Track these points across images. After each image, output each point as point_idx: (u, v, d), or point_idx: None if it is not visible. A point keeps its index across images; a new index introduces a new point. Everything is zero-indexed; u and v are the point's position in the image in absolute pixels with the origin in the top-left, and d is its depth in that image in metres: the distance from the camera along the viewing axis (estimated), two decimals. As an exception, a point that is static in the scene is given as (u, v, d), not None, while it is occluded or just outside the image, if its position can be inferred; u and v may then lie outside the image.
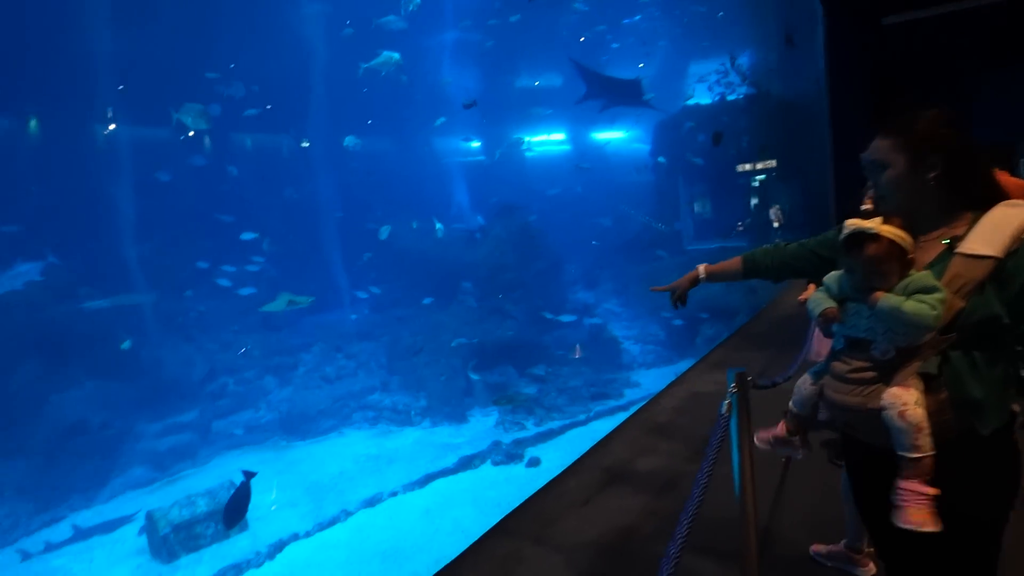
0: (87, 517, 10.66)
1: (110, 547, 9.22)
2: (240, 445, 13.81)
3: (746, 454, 2.17)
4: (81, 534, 9.78)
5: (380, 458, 11.21)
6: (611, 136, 25.00)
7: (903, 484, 1.42)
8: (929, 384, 1.43)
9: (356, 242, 18.74)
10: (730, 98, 20.02)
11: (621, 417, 10.87)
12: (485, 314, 15.34)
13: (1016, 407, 1.50)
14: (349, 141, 14.84)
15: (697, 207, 21.58)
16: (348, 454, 11.84)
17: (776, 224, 14.75)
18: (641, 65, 22.38)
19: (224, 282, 15.41)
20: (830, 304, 1.57)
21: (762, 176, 19.17)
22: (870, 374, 1.48)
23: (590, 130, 25.10)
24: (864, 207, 1.94)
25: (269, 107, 17.22)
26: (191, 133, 16.58)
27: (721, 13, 21.03)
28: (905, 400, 1.41)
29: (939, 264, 1.47)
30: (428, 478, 9.29)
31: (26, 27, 14.14)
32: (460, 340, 13.87)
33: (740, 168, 19.55)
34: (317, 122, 19.89)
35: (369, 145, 18.94)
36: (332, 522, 8.31)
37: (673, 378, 6.13)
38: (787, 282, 2.09)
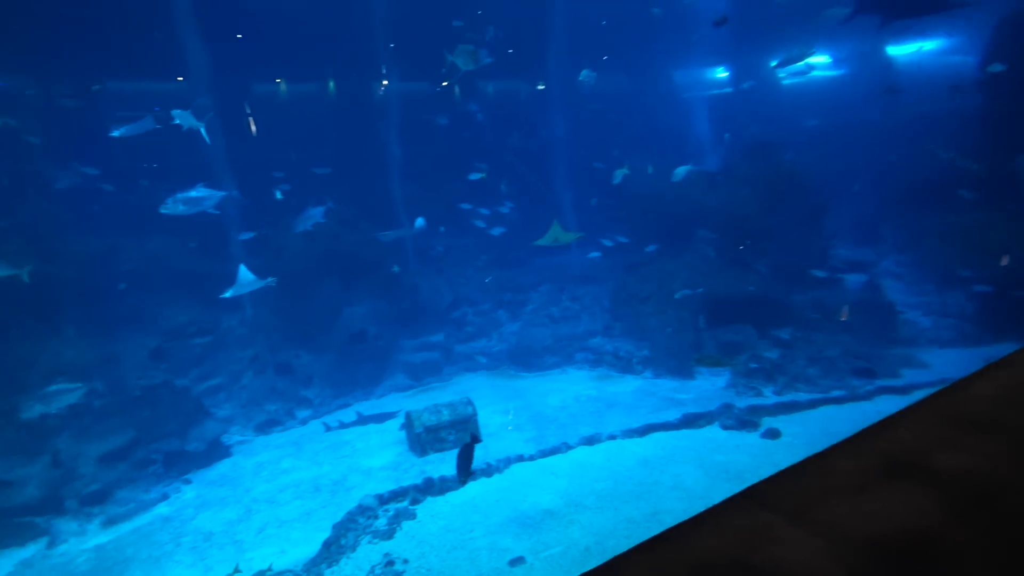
0: (366, 407, 13.17)
1: (380, 434, 11.20)
2: (476, 369, 15.40)
3: None
4: (361, 420, 12.11)
5: (599, 400, 11.38)
6: (910, 47, 20.01)
7: None
8: None
9: (588, 185, 18.75)
10: None
11: (895, 401, 9.08)
12: (723, 265, 14.06)
13: None
14: (584, 75, 14.53)
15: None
16: (570, 392, 12.26)
17: None
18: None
19: (479, 223, 16.88)
20: None
21: None
22: None
23: (874, 43, 20.45)
24: None
25: (511, 51, 17.83)
26: (446, 83, 18.09)
27: None
28: None
29: None
30: (648, 428, 9.05)
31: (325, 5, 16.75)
32: (690, 291, 12.98)
33: None
34: (555, 63, 20.00)
35: (605, 82, 18.43)
36: (553, 452, 8.68)
37: (983, 362, 4.65)
38: None
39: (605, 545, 5.93)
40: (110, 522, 8.50)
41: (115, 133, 8.02)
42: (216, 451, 11.03)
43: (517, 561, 5.90)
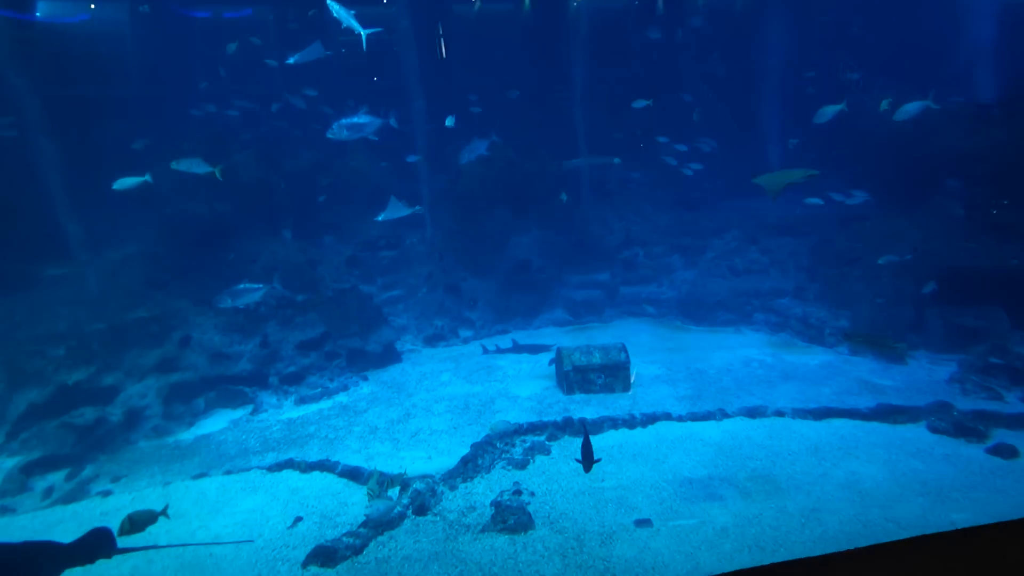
0: (522, 336, 13.72)
1: (532, 364, 11.61)
2: (639, 314, 14.96)
3: None
4: (516, 348, 12.65)
5: (774, 369, 10.33)
6: None
7: None
8: None
9: (804, 118, 16.23)
10: None
11: None
12: (974, 229, 11.35)
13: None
14: None
15: None
16: (739, 354, 11.32)
17: None
18: None
19: (670, 159, 15.88)
20: None
21: None
22: None
23: None
24: None
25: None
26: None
27: None
28: None
29: None
30: (827, 412, 7.95)
31: None
32: (897, 257, 10.78)
33: None
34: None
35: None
36: (706, 417, 8.15)
37: None
38: None
39: (746, 532, 5.44)
40: (301, 401, 10.15)
41: (290, 60, 8.84)
42: (390, 355, 12.42)
43: (643, 523, 5.72)
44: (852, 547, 5.33)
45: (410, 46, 16.65)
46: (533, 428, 7.99)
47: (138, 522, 4.87)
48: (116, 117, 14.43)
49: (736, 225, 15.63)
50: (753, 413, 8.14)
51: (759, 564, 5.31)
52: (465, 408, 9.37)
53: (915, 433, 7.37)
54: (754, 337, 12.48)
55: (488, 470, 7.07)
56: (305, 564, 5.14)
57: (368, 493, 6.15)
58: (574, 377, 9.68)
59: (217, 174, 8.20)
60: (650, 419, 8.19)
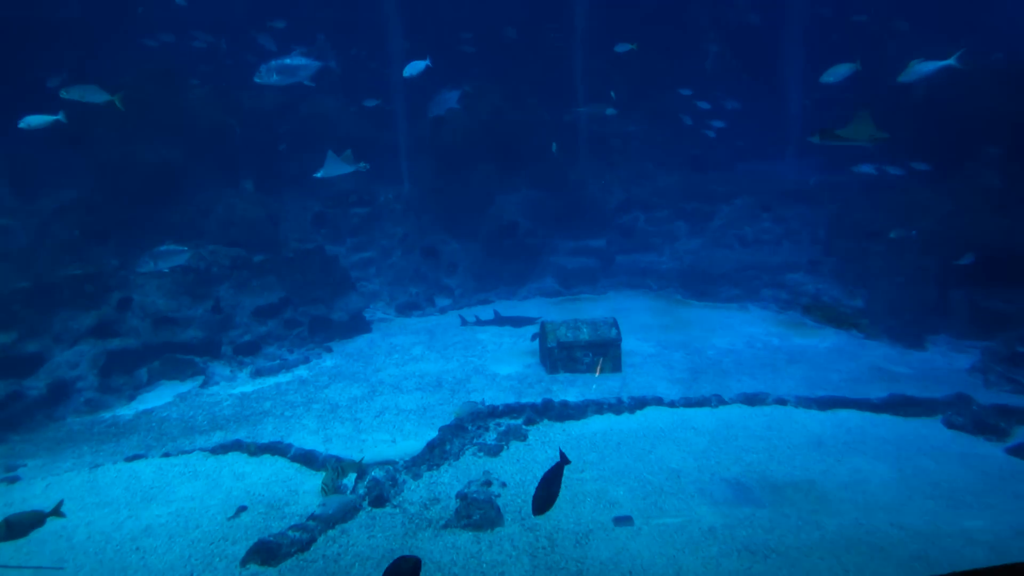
0: (506, 307, 13.54)
1: (514, 338, 11.47)
2: (637, 286, 14.81)
3: None
4: (498, 320, 12.49)
5: (780, 352, 10.25)
6: None
7: None
8: None
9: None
10: None
11: None
12: (1012, 203, 11.12)
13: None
14: None
15: None
16: (743, 333, 11.24)
17: None
18: None
19: (686, 118, 15.47)
20: None
21: None
22: None
23: None
24: None
25: None
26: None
27: None
28: None
29: None
30: (833, 401, 7.87)
31: None
32: (905, 232, 10.62)
33: None
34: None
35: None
36: (700, 403, 8.06)
37: None
38: None
39: (735, 534, 5.35)
40: (257, 374, 9.97)
41: None
42: (357, 325, 12.22)
43: (624, 520, 5.63)
44: (851, 553, 5.21)
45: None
46: (510, 410, 7.86)
47: (18, 526, 4.56)
48: (51, 44, 13.74)
49: (748, 190, 15.38)
50: (752, 400, 8.06)
51: (748, 570, 5.17)
52: (438, 386, 9.25)
53: (929, 428, 7.30)
54: (760, 315, 12.39)
55: (457, 457, 6.95)
56: (244, 561, 5.01)
57: (323, 488, 6.00)
58: (559, 354, 9.55)
59: (117, 102, 7.74)
60: (639, 404, 8.11)
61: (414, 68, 9.33)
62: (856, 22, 15.53)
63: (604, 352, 9.51)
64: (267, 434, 7.72)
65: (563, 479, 6.33)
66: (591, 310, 12.96)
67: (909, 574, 4.76)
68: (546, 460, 6.76)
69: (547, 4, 17.29)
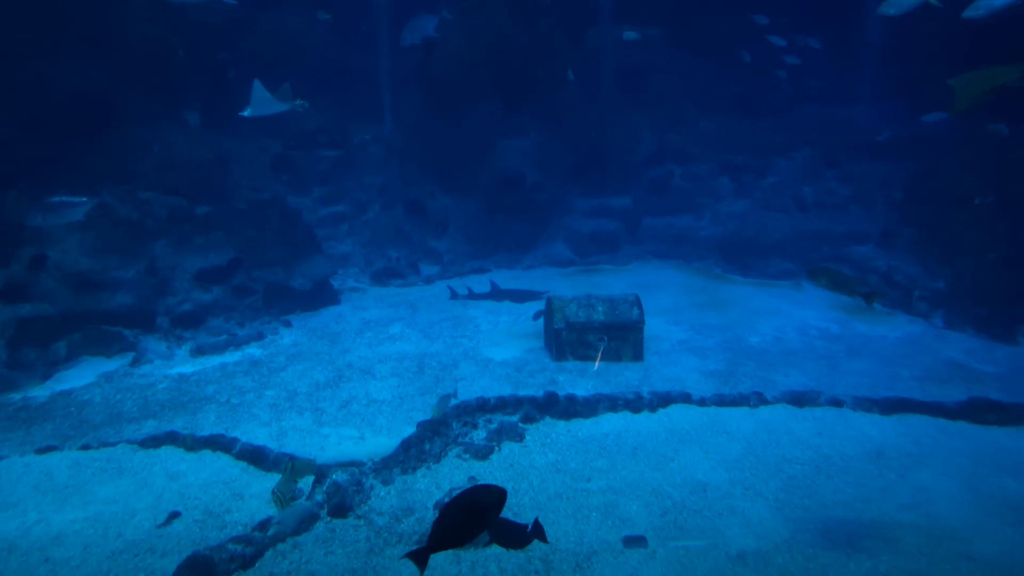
0: (506, 278, 13.55)
1: (514, 316, 11.51)
2: (666, 255, 14.77)
3: None
4: (496, 293, 12.50)
5: (839, 341, 10.26)
6: None
7: None
8: None
9: None
10: None
11: None
12: None
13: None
14: None
15: None
16: (795, 317, 11.25)
17: None
18: None
19: (745, 54, 15.21)
20: None
21: None
22: None
23: None
24: None
25: None
26: None
27: None
28: None
29: None
30: (900, 404, 7.86)
31: None
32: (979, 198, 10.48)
33: None
34: None
35: None
36: (736, 401, 8.07)
37: None
38: None
39: (770, 562, 5.38)
40: (199, 351, 10.02)
41: None
42: (323, 294, 12.24)
43: (635, 541, 5.66)
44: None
45: None
46: (504, 404, 7.90)
47: None
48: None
49: (810, 140, 15.22)
50: (801, 400, 8.08)
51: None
52: (419, 371, 9.29)
53: (1015, 441, 7.29)
54: (817, 296, 12.35)
55: (438, 459, 7.01)
56: (174, 578, 5.07)
57: (274, 496, 6.03)
58: (567, 337, 9.56)
59: None
60: (663, 400, 8.15)
61: None
62: None
63: (623, 336, 9.52)
64: (209, 425, 7.77)
65: (567, 490, 6.40)
66: (610, 284, 12.94)
67: (978, 618, 4.78)
68: (545, 466, 6.80)
69: None
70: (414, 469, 6.83)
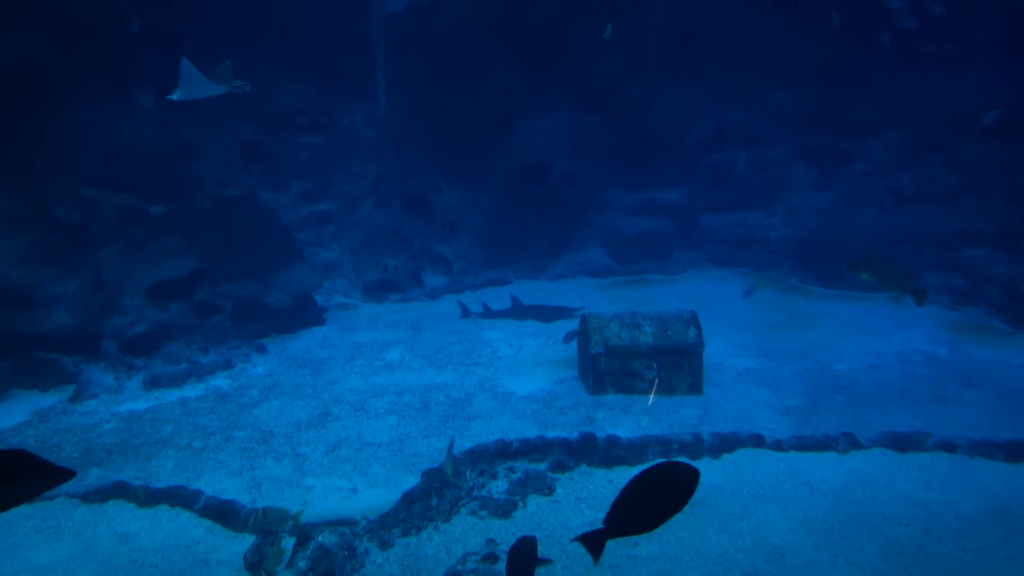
0: (528, 293, 13.57)
1: (542, 340, 11.56)
2: (730, 262, 14.76)
3: None
4: (517, 311, 12.57)
5: (949, 370, 10.20)
6: None
7: None
8: None
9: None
10: None
11: None
12: None
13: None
14: None
15: None
16: (895, 338, 11.25)
17: None
18: None
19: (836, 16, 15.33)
20: None
21: None
22: None
23: None
24: None
25: None
26: None
27: None
28: None
29: None
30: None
31: None
32: None
33: None
34: None
35: None
36: (821, 445, 8.01)
37: None
38: None
39: (866, 648, 5.34)
40: (154, 383, 10.14)
41: None
42: (305, 312, 12.35)
43: (697, 623, 5.64)
44: None
45: None
46: (530, 449, 7.93)
47: None
48: None
49: (910, 117, 15.21)
50: (904, 443, 8.03)
51: None
52: (423, 408, 9.35)
53: None
54: (922, 313, 12.22)
55: (448, 516, 7.04)
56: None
57: (246, 562, 6.07)
58: (607, 365, 9.56)
59: None
60: (727, 443, 8.14)
61: None
62: None
63: (676, 363, 9.51)
64: (166, 474, 7.84)
65: (605, 559, 6.37)
66: (659, 299, 12.96)
67: None
68: (581, 526, 6.78)
69: None
70: (419, 529, 6.83)
